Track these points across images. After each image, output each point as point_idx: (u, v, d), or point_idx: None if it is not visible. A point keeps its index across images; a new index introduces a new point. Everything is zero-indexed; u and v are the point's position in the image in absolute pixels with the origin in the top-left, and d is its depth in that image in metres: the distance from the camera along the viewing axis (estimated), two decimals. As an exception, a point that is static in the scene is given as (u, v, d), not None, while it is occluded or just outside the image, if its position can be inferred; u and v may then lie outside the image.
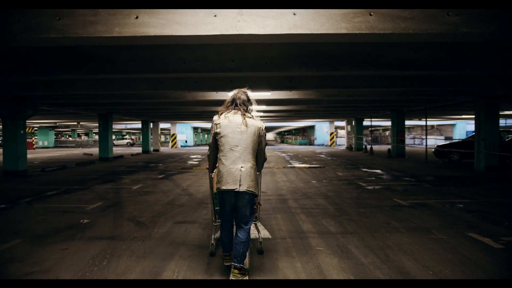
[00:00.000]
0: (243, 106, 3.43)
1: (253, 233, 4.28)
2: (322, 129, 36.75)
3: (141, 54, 6.47)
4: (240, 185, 3.26)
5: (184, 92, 11.21)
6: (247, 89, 3.64)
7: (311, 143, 41.68)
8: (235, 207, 3.37)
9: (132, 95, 11.66)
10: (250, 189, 3.29)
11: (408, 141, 34.03)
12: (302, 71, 6.64)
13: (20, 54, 6.25)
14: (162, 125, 39.75)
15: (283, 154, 22.81)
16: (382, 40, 4.84)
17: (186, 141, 41.82)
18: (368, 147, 22.70)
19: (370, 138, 27.08)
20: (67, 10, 4.02)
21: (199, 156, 21.35)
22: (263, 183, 9.49)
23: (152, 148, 28.91)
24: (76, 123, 28.95)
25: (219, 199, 3.44)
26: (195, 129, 46.73)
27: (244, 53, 6.44)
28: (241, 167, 3.28)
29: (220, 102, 14.74)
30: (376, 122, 35.20)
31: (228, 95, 10.77)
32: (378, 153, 22.31)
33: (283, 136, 69.92)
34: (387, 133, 41.80)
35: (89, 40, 4.29)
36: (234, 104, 3.46)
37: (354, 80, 8.68)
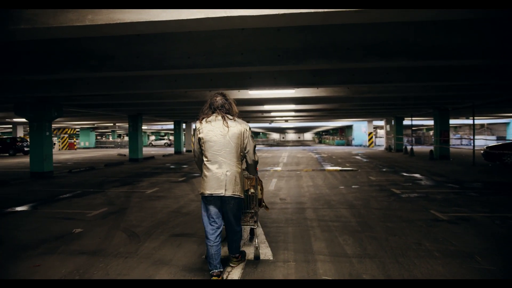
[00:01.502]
0: (222, 109, 3.36)
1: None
2: (360, 129, 35.10)
3: (142, 49, 5.97)
4: (225, 190, 3.21)
5: (203, 91, 10.70)
6: (224, 92, 3.51)
7: (348, 143, 40.06)
8: (222, 213, 3.36)
9: (151, 95, 11.35)
10: (236, 193, 3.25)
11: (454, 141, 31.59)
12: (321, 64, 5.82)
13: (20, 52, 5.97)
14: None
15: (316, 156, 21.79)
16: (420, 18, 3.96)
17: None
18: (408, 148, 21.10)
19: (411, 139, 25.26)
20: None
21: (229, 157, 20.89)
22: (285, 188, 8.73)
23: (185, 149, 28.97)
24: (112, 124, 29.66)
25: (202, 205, 3.36)
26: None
27: (253, 45, 5.73)
28: (227, 171, 3.23)
29: (242, 101, 14.13)
30: (419, 121, 33.04)
31: (249, 93, 10.06)
32: (420, 154, 20.66)
33: (321, 136, 68.19)
34: (431, 133, 39.17)
35: (62, 31, 3.80)
36: (211, 108, 3.39)
37: (385, 74, 7.67)
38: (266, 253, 4.07)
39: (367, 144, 32.53)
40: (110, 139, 46.81)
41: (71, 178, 11.41)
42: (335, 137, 49.43)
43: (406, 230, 4.91)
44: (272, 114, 20.43)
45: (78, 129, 38.64)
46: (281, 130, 76.90)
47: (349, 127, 39.03)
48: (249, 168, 3.64)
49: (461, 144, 32.19)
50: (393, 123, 24.11)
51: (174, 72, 6.93)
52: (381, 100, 13.28)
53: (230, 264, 3.68)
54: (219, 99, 3.39)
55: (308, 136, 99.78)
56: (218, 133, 3.27)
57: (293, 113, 19.82)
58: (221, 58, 5.86)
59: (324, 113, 20.07)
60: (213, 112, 3.37)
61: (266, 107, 15.23)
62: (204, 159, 3.32)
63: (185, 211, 6.39)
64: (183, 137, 27.78)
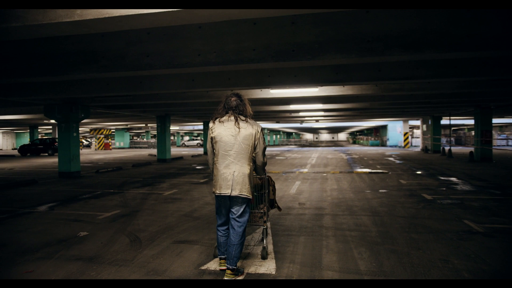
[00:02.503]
0: (236, 110, 3.38)
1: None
2: (395, 129, 33.64)
3: (152, 48, 5.78)
4: (232, 190, 3.26)
5: (223, 90, 10.45)
6: (239, 93, 3.54)
7: (383, 144, 38.57)
8: (229, 211, 3.41)
9: (173, 95, 11.27)
10: (243, 193, 3.27)
11: (499, 142, 29.46)
12: (338, 59, 5.36)
13: (32, 54, 5.98)
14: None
15: (347, 157, 21.00)
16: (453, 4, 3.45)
17: (251, 142, 41.61)
18: (446, 148, 19.81)
19: (450, 139, 23.76)
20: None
21: (256, 158, 20.60)
22: (306, 192, 8.27)
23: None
24: (144, 125, 30.31)
25: (216, 202, 3.48)
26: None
27: (266, 40, 5.38)
28: (234, 171, 3.27)
29: (267, 101, 13.75)
30: (460, 121, 31.16)
31: (270, 92, 9.71)
32: (459, 156, 19.35)
33: (355, 137, 66.48)
34: (473, 133, 36.90)
35: (52, 28, 3.63)
36: (225, 108, 3.42)
37: (415, 69, 7.03)
38: (269, 266, 3.70)
39: (403, 144, 31.10)
40: (144, 139, 48.05)
41: (96, 179, 11.57)
42: (370, 137, 47.87)
43: (433, 243, 4.35)
44: (301, 114, 19.91)
45: (113, 130, 39.94)
46: (314, 131, 75.70)
47: (384, 127, 37.57)
48: (256, 169, 3.64)
49: (507, 145, 29.97)
50: (430, 122, 22.78)
51: (187, 70, 6.66)
52: (414, 98, 12.44)
53: (224, 278, 3.35)
54: (233, 100, 3.42)
55: (342, 136, 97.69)
56: (229, 133, 3.31)
57: (322, 113, 19.19)
58: (233, 55, 5.55)
59: (354, 112, 19.28)
60: (226, 113, 3.40)
61: (293, 107, 14.78)
62: (215, 158, 3.40)
63: (196, 215, 6.13)
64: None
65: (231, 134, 3.30)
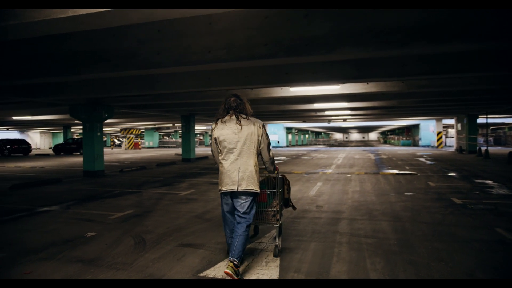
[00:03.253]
0: (237, 109, 3.47)
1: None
2: (428, 128, 32.22)
3: (163, 46, 5.66)
4: (238, 186, 3.33)
5: (241, 89, 10.26)
6: (237, 93, 3.62)
7: (415, 144, 37.09)
8: (234, 207, 3.47)
9: (195, 94, 11.21)
10: (249, 188, 3.35)
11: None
12: (355, 53, 5.03)
13: (43, 55, 6.02)
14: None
15: (375, 157, 20.26)
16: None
17: (278, 142, 41.27)
18: (483, 149, 18.64)
19: (487, 138, 22.38)
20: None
21: (283, 158, 20.31)
22: (326, 194, 7.91)
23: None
24: (171, 124, 30.74)
25: (221, 200, 3.56)
26: (289, 129, 45.81)
27: (277, 35, 5.11)
28: (239, 167, 3.36)
29: (288, 99, 13.40)
30: (499, 119, 29.36)
31: (290, 90, 9.41)
32: (497, 157, 18.15)
33: (386, 136, 64.47)
34: (515, 132, 34.64)
35: (48, 26, 3.55)
36: (226, 109, 3.51)
37: (441, 63, 6.51)
38: (272, 275, 3.44)
39: (436, 144, 29.72)
40: (173, 139, 48.87)
41: (118, 178, 11.72)
42: (401, 137, 46.24)
43: (458, 253, 3.92)
44: (326, 113, 19.40)
45: (143, 130, 40.85)
46: (343, 130, 74.15)
47: (416, 126, 36.12)
48: (265, 165, 3.71)
49: (552, 145, 27.91)
50: (464, 121, 21.55)
51: (200, 68, 6.54)
52: (445, 95, 11.71)
53: (225, 270, 3.21)
54: (233, 100, 3.51)
55: (372, 136, 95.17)
56: (231, 132, 3.40)
57: (348, 112, 18.60)
58: (244, 51, 5.33)
59: (382, 111, 18.53)
60: (227, 113, 3.49)
61: (316, 105, 14.37)
62: (220, 157, 3.50)
63: (208, 216, 5.96)
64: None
65: (234, 133, 3.39)
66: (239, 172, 3.35)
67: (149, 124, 31.56)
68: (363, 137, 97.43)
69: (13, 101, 11.92)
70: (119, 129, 39.09)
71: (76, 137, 33.88)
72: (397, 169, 13.12)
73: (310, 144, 56.63)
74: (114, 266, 3.75)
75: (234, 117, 3.44)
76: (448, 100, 13.43)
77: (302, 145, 54.13)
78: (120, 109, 13.98)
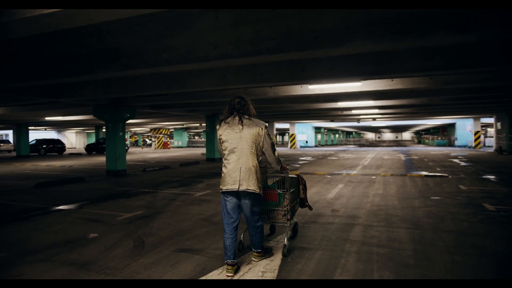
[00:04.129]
0: (240, 110, 3.53)
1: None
2: (465, 127, 30.52)
3: (169, 43, 5.51)
4: (240, 185, 3.38)
5: (258, 87, 10.02)
6: (241, 95, 3.69)
7: (451, 144, 35.27)
8: (238, 208, 3.56)
9: (211, 93, 11.07)
10: (250, 188, 3.39)
11: None
12: (367, 45, 4.66)
13: (61, 54, 6.04)
14: (281, 125, 39.62)
15: (405, 158, 19.34)
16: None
17: (306, 142, 40.65)
18: (526, 150, 17.29)
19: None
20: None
21: (308, 158, 19.85)
22: (345, 197, 7.49)
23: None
24: (199, 124, 30.99)
25: (222, 200, 3.60)
26: (317, 128, 45.00)
27: (285, 27, 4.82)
28: (240, 167, 3.41)
29: (310, 98, 12.94)
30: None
31: (309, 88, 9.04)
32: (542, 158, 16.76)
33: (420, 136, 61.92)
34: None
35: (50, 19, 3.45)
36: (230, 110, 3.58)
37: (472, 55, 5.93)
38: None
39: (473, 144, 28.06)
40: (202, 138, 49.40)
41: (139, 177, 11.80)
42: (436, 136, 44.20)
43: (481, 269, 3.45)
44: (353, 111, 18.74)
45: (172, 130, 41.56)
46: (375, 130, 72.02)
47: (452, 126, 34.35)
48: (272, 166, 3.79)
49: None
50: (505, 120, 20.13)
51: (210, 65, 6.40)
52: (480, 91, 10.86)
53: (252, 259, 3.76)
54: (237, 101, 3.58)
55: (406, 135, 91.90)
56: (233, 132, 3.47)
57: (376, 110, 17.84)
58: (250, 46, 5.08)
59: (412, 109, 17.63)
60: (231, 114, 3.56)
61: (341, 104, 13.85)
62: (223, 157, 3.56)
63: (216, 219, 5.75)
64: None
65: (236, 133, 3.46)
66: (240, 172, 3.40)
67: (177, 124, 32.01)
68: (396, 137, 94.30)
69: (40, 101, 12.28)
70: (148, 129, 39.99)
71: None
72: (427, 171, 12.36)
73: (340, 144, 55.47)
74: (104, 271, 3.61)
75: (237, 118, 3.51)
76: (484, 97, 12.51)
77: (332, 145, 53.12)
78: (143, 109, 14.12)
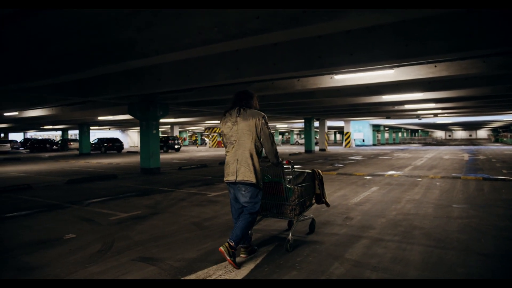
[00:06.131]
0: (242, 103, 3.58)
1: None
2: (550, 123, 26.33)
3: (159, 31, 5.10)
4: (236, 176, 3.45)
5: (276, 79, 9.29)
6: (246, 89, 3.75)
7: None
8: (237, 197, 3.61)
9: (236, 87, 10.55)
10: (246, 179, 3.42)
11: None
12: (367, 15, 3.77)
13: (53, 50, 5.93)
14: (335, 123, 37.99)
15: (469, 158, 17.08)
16: None
17: (363, 140, 38.47)
18: None
19: None
20: None
21: (358, 158, 18.49)
22: (371, 202, 6.50)
23: (317, 148, 27.60)
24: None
25: (228, 189, 3.68)
26: (376, 126, 42.32)
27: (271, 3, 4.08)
28: (237, 159, 3.47)
29: (345, 91, 11.77)
30: None
31: (335, 78, 8.11)
32: None
33: (498, 134, 55.48)
34: None
35: None
36: (234, 102, 3.63)
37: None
38: (196, 317, 2.51)
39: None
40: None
41: (170, 175, 11.70)
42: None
43: (503, 315, 2.44)
44: (406, 107, 16.97)
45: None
46: (444, 127, 66.05)
47: (534, 122, 29.94)
48: (269, 158, 3.72)
49: None
50: None
51: (192, 52, 5.85)
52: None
53: (240, 255, 3.64)
54: (240, 94, 3.66)
55: (481, 133, 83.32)
56: (231, 124, 3.54)
57: (433, 105, 15.94)
58: (235, 28, 4.50)
59: (478, 102, 15.42)
60: (233, 107, 3.60)
61: (386, 98, 12.49)
62: (225, 149, 3.65)
63: (208, 223, 5.20)
64: (313, 134, 26.41)
65: (233, 124, 3.53)
66: (237, 164, 3.45)
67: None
68: (470, 135, 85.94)
69: (78, 101, 12.75)
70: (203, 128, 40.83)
71: (164, 136, 36.20)
72: (488, 173, 10.58)
73: (403, 143, 51.80)
74: (45, 277, 3.25)
75: (236, 110, 3.55)
76: None
77: (393, 143, 49.83)
78: (179, 106, 14.07)
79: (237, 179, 3.42)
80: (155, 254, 3.87)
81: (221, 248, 3.30)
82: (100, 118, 20.19)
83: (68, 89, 9.38)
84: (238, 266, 3.35)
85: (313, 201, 4.42)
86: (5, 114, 16.17)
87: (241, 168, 3.42)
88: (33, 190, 8.81)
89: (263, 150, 3.63)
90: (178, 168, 14.00)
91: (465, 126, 58.94)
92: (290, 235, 3.89)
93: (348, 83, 8.85)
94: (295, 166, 4.13)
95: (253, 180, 3.41)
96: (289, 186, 3.96)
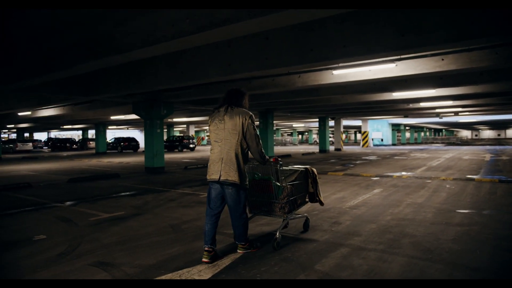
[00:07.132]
0: (231, 100, 3.56)
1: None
2: None
3: (134, 24, 4.93)
4: (220, 175, 3.41)
5: (268, 76, 8.95)
6: (237, 87, 3.73)
7: None
8: (221, 199, 3.57)
9: (239, 83, 10.26)
10: (230, 179, 3.38)
11: None
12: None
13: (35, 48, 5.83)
14: (351, 122, 37.13)
15: (490, 158, 16.15)
16: None
17: (382, 140, 37.42)
18: None
19: None
20: None
21: (372, 158, 17.86)
22: (367, 206, 6.10)
23: (332, 147, 26.96)
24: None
25: (208, 189, 3.64)
26: (395, 125, 41.08)
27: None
28: (221, 158, 3.43)
29: (351, 87, 11.26)
30: None
31: (334, 73, 7.70)
32: None
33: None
34: None
35: None
36: (224, 100, 3.60)
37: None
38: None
39: None
40: (278, 137, 48.93)
41: (172, 175, 11.54)
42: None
43: None
44: (422, 104, 16.21)
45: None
46: (469, 126, 63.47)
47: None
48: (254, 157, 3.66)
49: None
50: None
51: (186, 42, 5.60)
52: None
53: (238, 251, 3.69)
54: (231, 92, 3.64)
55: (511, 133, 79.58)
56: (218, 122, 3.51)
57: (450, 102, 15.13)
58: (205, 18, 4.25)
59: (500, 99, 14.51)
60: (223, 104, 3.57)
61: (396, 95, 11.89)
62: (210, 147, 3.62)
63: (185, 226, 4.95)
64: (328, 133, 25.81)
65: (220, 123, 3.49)
66: (221, 163, 3.41)
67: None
68: (498, 135, 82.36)
69: (82, 101, 12.79)
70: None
71: (179, 135, 36.39)
72: (508, 175, 9.85)
73: (425, 143, 50.09)
74: (-16, 286, 3.06)
75: (223, 108, 3.53)
76: None
77: (414, 143, 48.27)
78: (186, 105, 13.93)
79: (221, 178, 3.39)
80: (115, 259, 3.63)
81: (204, 259, 3.43)
82: (112, 117, 20.38)
83: (70, 88, 9.35)
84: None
85: (307, 199, 4.36)
86: (19, 114, 16.52)
87: (225, 168, 3.38)
88: (32, 189, 8.83)
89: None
90: (184, 167, 13.87)
91: (492, 125, 56.40)
92: (277, 233, 3.82)
93: (350, 78, 8.40)
94: (295, 166, 4.28)
95: (237, 180, 3.37)
96: (278, 184, 3.91)
